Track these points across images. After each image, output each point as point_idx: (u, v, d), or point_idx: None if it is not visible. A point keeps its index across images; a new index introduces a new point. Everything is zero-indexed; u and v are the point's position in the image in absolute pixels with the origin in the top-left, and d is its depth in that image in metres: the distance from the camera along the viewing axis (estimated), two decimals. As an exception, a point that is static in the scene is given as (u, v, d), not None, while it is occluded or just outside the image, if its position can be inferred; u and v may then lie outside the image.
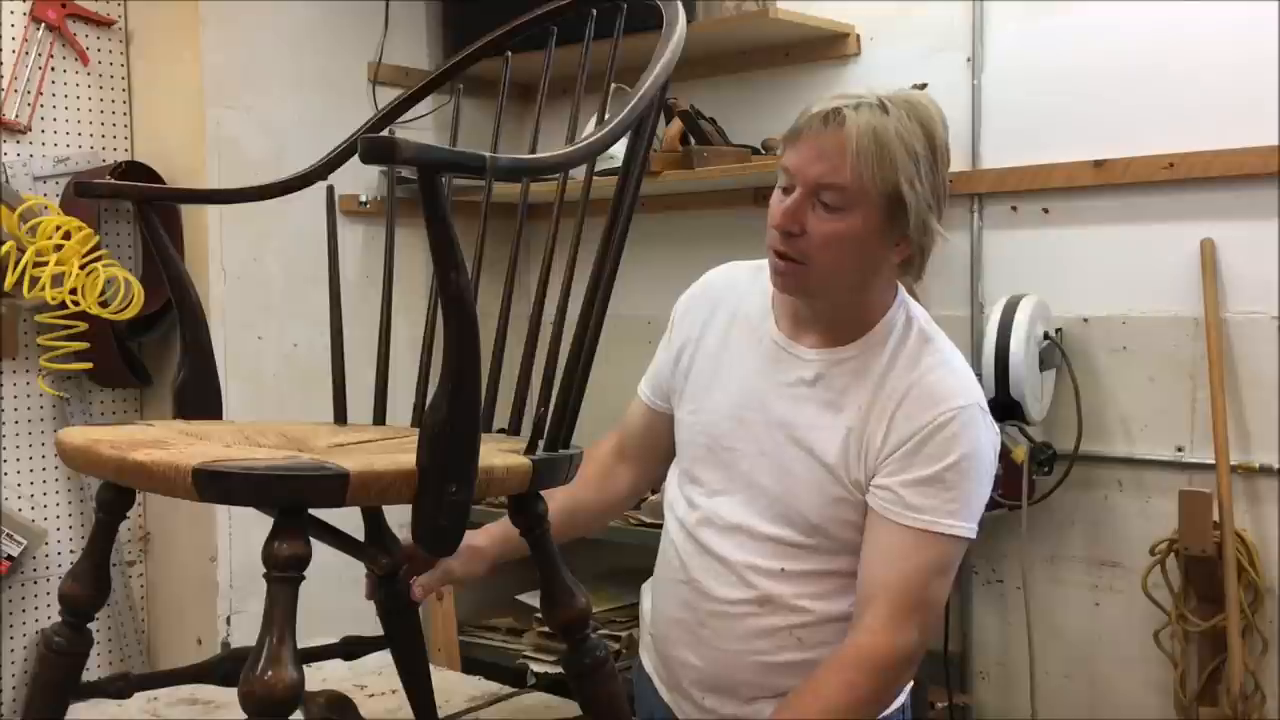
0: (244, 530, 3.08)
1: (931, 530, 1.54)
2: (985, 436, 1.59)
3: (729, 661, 1.65)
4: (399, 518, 1.31)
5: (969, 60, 3.02)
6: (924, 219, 1.55)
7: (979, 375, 2.24)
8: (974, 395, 1.60)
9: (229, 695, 1.16)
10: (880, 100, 1.55)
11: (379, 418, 1.67)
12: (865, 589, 1.57)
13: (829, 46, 3.21)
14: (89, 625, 1.38)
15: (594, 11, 1.56)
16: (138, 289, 2.93)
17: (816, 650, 1.61)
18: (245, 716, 1.10)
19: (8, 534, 2.95)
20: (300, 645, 1.12)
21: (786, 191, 1.56)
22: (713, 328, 1.73)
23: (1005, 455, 2.84)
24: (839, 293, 1.60)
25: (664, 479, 1.84)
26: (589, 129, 1.35)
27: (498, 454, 1.27)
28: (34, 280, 2.82)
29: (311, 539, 1.15)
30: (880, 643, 1.54)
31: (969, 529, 1.57)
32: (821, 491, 1.59)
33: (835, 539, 1.61)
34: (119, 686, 1.48)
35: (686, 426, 1.72)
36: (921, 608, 1.55)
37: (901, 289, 1.67)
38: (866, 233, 1.54)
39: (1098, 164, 2.83)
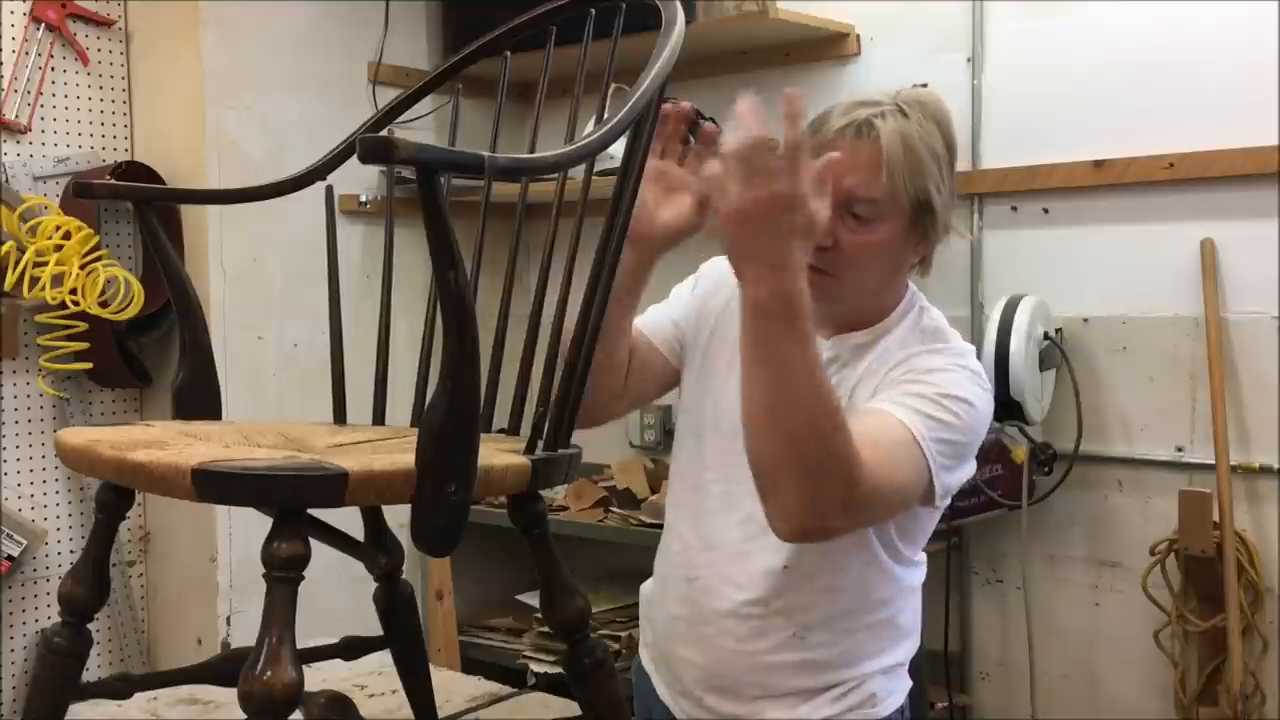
0: (244, 530, 3.07)
1: (917, 441, 1.42)
2: (985, 406, 1.52)
3: (729, 660, 1.64)
4: (399, 518, 1.31)
5: (969, 60, 3.02)
6: (947, 220, 1.56)
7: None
8: (978, 367, 1.57)
9: (229, 695, 1.16)
10: (898, 104, 1.53)
11: (378, 418, 1.67)
12: None
13: (829, 46, 3.21)
14: (89, 625, 1.38)
15: (593, 11, 1.55)
16: (138, 289, 2.93)
17: (818, 651, 1.60)
18: (245, 716, 1.10)
19: (8, 534, 2.95)
20: (300, 645, 1.12)
21: None
22: (732, 310, 1.72)
23: (1005, 455, 2.84)
24: (863, 298, 1.60)
25: (636, 406, 1.73)
26: (588, 129, 1.35)
27: (497, 454, 1.27)
28: (34, 280, 2.82)
29: (311, 539, 1.15)
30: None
31: (942, 487, 1.47)
32: None
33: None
34: (119, 686, 1.48)
35: (699, 411, 1.69)
36: (876, 493, 1.37)
37: (912, 284, 1.67)
38: (896, 241, 1.54)
39: (1098, 164, 2.83)
